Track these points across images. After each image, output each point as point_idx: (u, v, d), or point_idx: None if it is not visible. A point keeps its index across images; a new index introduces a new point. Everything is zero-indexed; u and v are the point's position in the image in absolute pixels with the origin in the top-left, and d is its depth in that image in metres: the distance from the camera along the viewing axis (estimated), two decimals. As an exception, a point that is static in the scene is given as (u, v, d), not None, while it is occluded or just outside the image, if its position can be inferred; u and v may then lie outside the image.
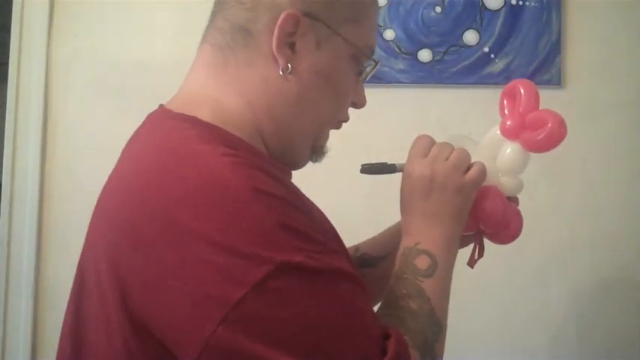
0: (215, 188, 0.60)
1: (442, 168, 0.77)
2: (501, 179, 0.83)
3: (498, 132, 0.83)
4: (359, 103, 0.81)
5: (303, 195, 0.72)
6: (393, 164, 0.80)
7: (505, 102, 0.85)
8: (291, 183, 0.73)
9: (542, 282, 1.56)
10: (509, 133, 0.82)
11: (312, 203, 0.74)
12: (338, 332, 0.61)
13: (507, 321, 1.55)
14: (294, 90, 0.73)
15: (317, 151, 0.80)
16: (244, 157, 0.64)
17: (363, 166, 0.81)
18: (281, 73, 0.72)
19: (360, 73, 0.79)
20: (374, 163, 0.81)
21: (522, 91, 0.82)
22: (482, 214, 0.81)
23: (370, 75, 0.81)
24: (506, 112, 0.84)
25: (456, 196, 0.78)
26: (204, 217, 0.59)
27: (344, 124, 0.82)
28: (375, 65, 0.80)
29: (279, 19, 0.70)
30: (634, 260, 1.55)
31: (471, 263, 0.83)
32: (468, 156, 0.79)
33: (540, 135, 0.79)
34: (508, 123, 0.82)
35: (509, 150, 0.82)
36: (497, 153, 0.82)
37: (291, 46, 0.72)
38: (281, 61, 0.71)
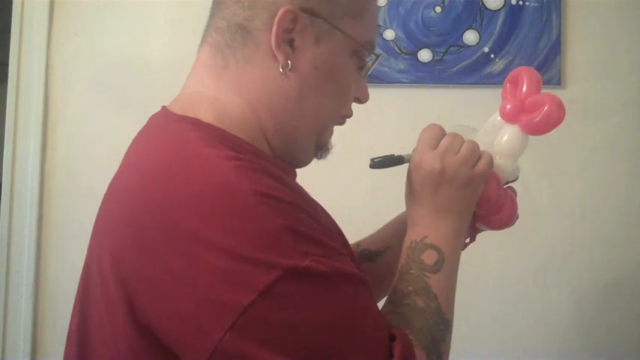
0: (220, 193, 0.60)
1: (453, 161, 0.77)
2: (498, 162, 0.82)
3: (498, 116, 0.84)
4: (362, 98, 0.81)
5: (309, 196, 0.72)
6: (401, 156, 0.80)
7: (507, 87, 0.85)
8: (297, 184, 0.73)
9: (543, 282, 1.56)
10: (508, 116, 0.82)
11: (317, 204, 0.74)
12: (345, 336, 0.61)
13: (507, 322, 1.55)
14: (294, 87, 0.72)
15: (322, 148, 0.79)
16: (249, 161, 0.64)
17: (372, 160, 0.80)
18: (281, 70, 0.71)
19: (361, 68, 0.78)
20: (383, 157, 0.80)
21: (524, 76, 0.83)
22: (482, 201, 0.81)
23: (372, 68, 0.80)
24: (506, 97, 0.85)
25: (465, 189, 0.78)
26: (210, 221, 0.59)
27: (345, 124, 0.82)
28: (377, 58, 0.79)
29: (277, 16, 0.70)
30: (634, 260, 1.55)
31: (462, 246, 0.83)
32: (477, 149, 0.79)
33: (537, 117, 0.80)
34: (508, 106, 0.82)
35: (508, 133, 0.82)
36: (495, 136, 0.83)
37: (290, 42, 0.71)
38: (280, 58, 0.71)
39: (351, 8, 0.75)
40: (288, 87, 0.72)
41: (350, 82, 0.78)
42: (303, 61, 0.72)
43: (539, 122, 0.80)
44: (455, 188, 0.77)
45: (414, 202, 0.79)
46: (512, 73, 0.85)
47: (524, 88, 0.82)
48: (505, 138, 0.82)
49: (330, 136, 0.80)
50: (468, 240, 0.85)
